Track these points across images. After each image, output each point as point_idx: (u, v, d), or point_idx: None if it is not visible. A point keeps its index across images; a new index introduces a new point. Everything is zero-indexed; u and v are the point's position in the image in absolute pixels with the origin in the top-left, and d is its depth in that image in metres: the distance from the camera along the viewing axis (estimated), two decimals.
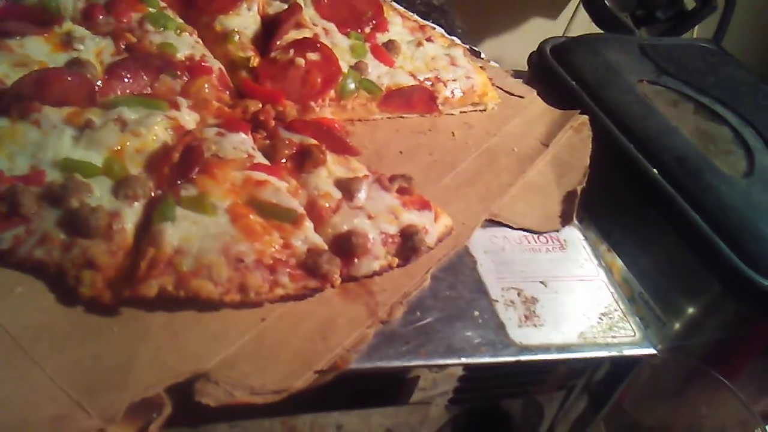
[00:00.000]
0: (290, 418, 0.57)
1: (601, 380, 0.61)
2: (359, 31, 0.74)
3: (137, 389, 0.41)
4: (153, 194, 0.51)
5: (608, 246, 0.75)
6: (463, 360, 0.50)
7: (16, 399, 0.39)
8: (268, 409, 0.48)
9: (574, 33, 1.14)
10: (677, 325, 0.73)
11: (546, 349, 0.53)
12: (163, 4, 0.69)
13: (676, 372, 0.73)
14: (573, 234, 0.64)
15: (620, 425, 0.74)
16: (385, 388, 0.54)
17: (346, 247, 0.53)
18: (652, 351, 0.55)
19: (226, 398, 0.42)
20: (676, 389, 0.74)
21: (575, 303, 0.57)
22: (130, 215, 0.49)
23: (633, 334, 0.56)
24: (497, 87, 0.78)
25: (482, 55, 0.84)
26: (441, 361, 0.50)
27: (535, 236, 0.63)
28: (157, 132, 0.54)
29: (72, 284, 0.45)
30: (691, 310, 0.72)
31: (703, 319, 0.71)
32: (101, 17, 0.64)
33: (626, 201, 0.77)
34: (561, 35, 0.96)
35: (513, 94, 0.79)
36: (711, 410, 0.73)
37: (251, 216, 0.51)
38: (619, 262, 0.75)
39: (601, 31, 1.09)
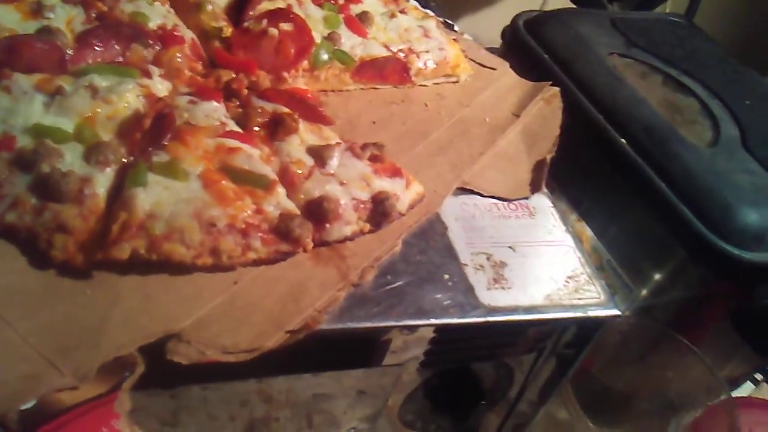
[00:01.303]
0: (266, 386, 0.58)
1: (568, 343, 0.63)
2: (332, 2, 0.74)
3: (110, 349, 0.42)
4: (125, 160, 0.51)
5: (578, 215, 0.77)
6: (433, 321, 0.52)
7: None
8: (242, 370, 0.49)
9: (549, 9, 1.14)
10: (644, 291, 0.75)
11: (513, 310, 0.54)
12: None
13: (642, 337, 0.76)
14: (542, 202, 0.66)
15: (589, 390, 0.76)
16: (357, 352, 0.55)
17: (317, 212, 0.53)
18: (616, 312, 0.57)
19: (198, 357, 0.43)
20: (643, 354, 0.77)
21: (542, 267, 0.59)
22: (102, 181, 0.49)
23: (598, 296, 0.58)
24: (470, 59, 0.79)
25: (455, 28, 0.84)
26: (411, 322, 0.51)
27: (505, 203, 0.64)
28: (129, 99, 0.55)
29: (44, 248, 0.45)
30: (657, 276, 0.74)
31: (669, 285, 0.73)
32: None
33: (596, 171, 0.79)
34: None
35: (485, 66, 0.79)
36: (677, 374, 0.76)
37: (223, 182, 0.52)
38: (588, 231, 0.77)
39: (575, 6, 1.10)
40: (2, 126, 0.50)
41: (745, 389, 0.94)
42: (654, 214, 0.72)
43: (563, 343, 0.63)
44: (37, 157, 0.48)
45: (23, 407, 0.37)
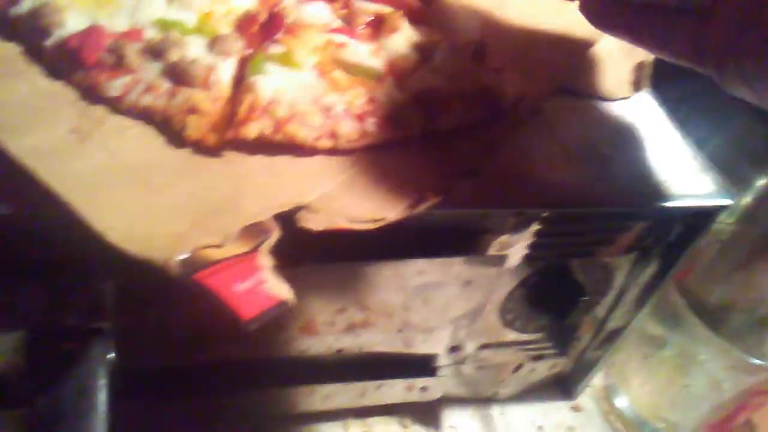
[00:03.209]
0: (365, 299, 0.61)
1: (672, 242, 0.62)
2: None
3: (247, 215, 0.44)
4: (244, 53, 0.53)
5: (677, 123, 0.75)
6: (538, 208, 0.53)
7: (141, 218, 0.42)
8: (357, 250, 0.51)
9: None
10: (748, 198, 0.73)
11: (620, 199, 0.54)
12: None
13: (743, 244, 0.74)
14: (646, 99, 0.65)
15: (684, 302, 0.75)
16: (464, 240, 0.56)
17: (425, 102, 0.54)
18: (729, 201, 0.56)
19: (327, 224, 0.45)
20: (743, 263, 0.75)
21: (651, 159, 0.58)
22: (226, 69, 0.52)
23: (710, 186, 0.57)
24: None
25: None
26: (519, 208, 0.52)
27: (610, 103, 0.63)
28: None
29: (178, 128, 0.48)
30: (761, 182, 0.72)
31: None
32: None
33: (694, 76, 0.77)
34: None
35: None
36: None
37: (336, 72, 0.53)
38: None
39: None
40: (130, 20, 0.52)
41: None
42: (756, 116, 0.70)
43: (670, 241, 0.62)
44: (166, 46, 0.50)
45: (179, 258, 0.40)
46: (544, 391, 0.78)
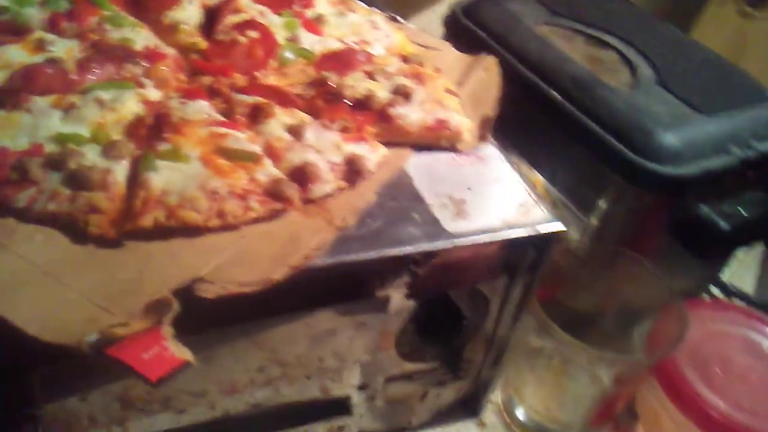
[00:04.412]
0: (280, 355, 0.68)
1: (529, 264, 0.73)
2: (290, 9, 0.85)
3: (149, 294, 0.52)
4: (135, 153, 0.62)
5: (528, 165, 0.88)
6: (407, 248, 0.62)
7: (54, 310, 0.49)
8: (256, 307, 0.59)
9: None
10: (594, 219, 0.86)
11: (474, 233, 0.65)
12: (115, 7, 0.79)
13: (598, 258, 0.87)
14: (491, 151, 0.77)
15: (558, 316, 0.86)
16: (350, 287, 0.65)
17: (301, 176, 0.64)
18: (561, 228, 0.68)
19: (221, 291, 0.53)
20: (602, 274, 0.88)
21: (497, 199, 0.70)
22: (120, 171, 0.60)
23: (545, 216, 0.69)
24: (415, 43, 0.90)
25: (399, 20, 0.96)
26: (389, 251, 0.62)
27: (459, 155, 0.75)
28: (130, 106, 0.65)
29: (82, 227, 0.55)
30: (602, 204, 0.85)
31: (612, 209, 0.85)
32: (65, 23, 0.74)
33: (538, 124, 0.90)
34: None
35: (430, 47, 0.91)
36: (633, 288, 0.87)
37: (219, 160, 0.62)
38: (539, 177, 0.89)
39: None
40: (30, 138, 0.60)
41: None
42: (590, 151, 0.84)
43: (527, 264, 0.73)
44: (64, 157, 0.58)
45: (89, 339, 0.47)
46: (453, 413, 0.86)
